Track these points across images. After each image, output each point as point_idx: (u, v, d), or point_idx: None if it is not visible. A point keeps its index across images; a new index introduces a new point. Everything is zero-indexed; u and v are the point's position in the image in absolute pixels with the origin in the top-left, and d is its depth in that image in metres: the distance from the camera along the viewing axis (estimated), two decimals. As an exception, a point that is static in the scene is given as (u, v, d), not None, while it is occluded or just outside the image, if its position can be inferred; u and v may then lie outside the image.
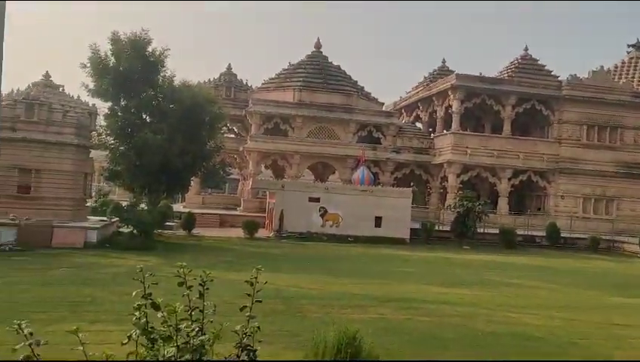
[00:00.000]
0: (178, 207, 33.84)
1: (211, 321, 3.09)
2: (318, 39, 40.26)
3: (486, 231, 29.85)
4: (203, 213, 31.57)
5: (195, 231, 26.92)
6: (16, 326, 2.57)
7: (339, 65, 39.81)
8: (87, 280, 12.97)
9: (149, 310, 3.01)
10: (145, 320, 2.95)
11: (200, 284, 3.09)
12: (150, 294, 3.06)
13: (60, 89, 22.59)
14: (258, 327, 3.14)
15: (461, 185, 34.88)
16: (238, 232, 26.85)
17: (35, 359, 2.55)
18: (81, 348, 2.76)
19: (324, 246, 24.61)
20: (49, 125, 20.87)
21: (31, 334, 2.58)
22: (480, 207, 29.13)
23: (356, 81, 39.59)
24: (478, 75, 36.02)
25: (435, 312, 10.96)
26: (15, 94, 21.22)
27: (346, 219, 27.86)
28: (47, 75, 22.49)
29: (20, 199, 20.29)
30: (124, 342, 2.93)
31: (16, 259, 16.10)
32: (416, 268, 18.56)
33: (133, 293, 3.07)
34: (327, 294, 12.39)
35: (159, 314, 2.97)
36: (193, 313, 3.06)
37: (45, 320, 8.34)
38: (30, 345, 2.54)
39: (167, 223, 27.24)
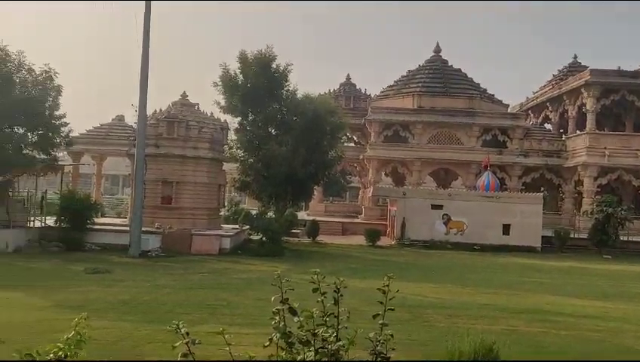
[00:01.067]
0: (302, 215, 34.91)
1: (346, 327, 3.18)
2: (438, 43, 39.74)
3: (630, 239, 27.22)
4: (326, 221, 32.30)
5: (318, 238, 27.66)
6: (174, 326, 2.87)
7: (459, 69, 38.82)
8: (222, 284, 13.88)
9: (286, 314, 3.18)
10: (284, 324, 3.12)
11: (334, 291, 3.20)
12: (287, 299, 3.23)
13: (196, 107, 24.46)
14: (391, 335, 3.18)
15: (599, 189, 32.15)
16: (360, 240, 27.09)
17: (191, 357, 2.81)
18: (227, 348, 2.99)
19: (449, 254, 23.99)
20: (186, 141, 22.74)
21: (187, 334, 2.86)
22: (623, 212, 26.59)
23: (478, 84, 38.29)
24: (615, 69, 33.10)
25: (574, 326, 10.18)
26: (157, 114, 23.39)
27: (471, 226, 26.93)
28: (184, 95, 24.47)
29: (163, 209, 22.29)
30: (265, 345, 3.11)
31: (161, 264, 17.67)
32: (549, 279, 17.41)
33: (272, 298, 3.25)
34: (453, 304, 12.07)
35: (295, 319, 3.12)
36: (327, 319, 3.18)
37: (189, 322, 8.93)
38: (187, 343, 2.82)
39: (293, 231, 28.25)
